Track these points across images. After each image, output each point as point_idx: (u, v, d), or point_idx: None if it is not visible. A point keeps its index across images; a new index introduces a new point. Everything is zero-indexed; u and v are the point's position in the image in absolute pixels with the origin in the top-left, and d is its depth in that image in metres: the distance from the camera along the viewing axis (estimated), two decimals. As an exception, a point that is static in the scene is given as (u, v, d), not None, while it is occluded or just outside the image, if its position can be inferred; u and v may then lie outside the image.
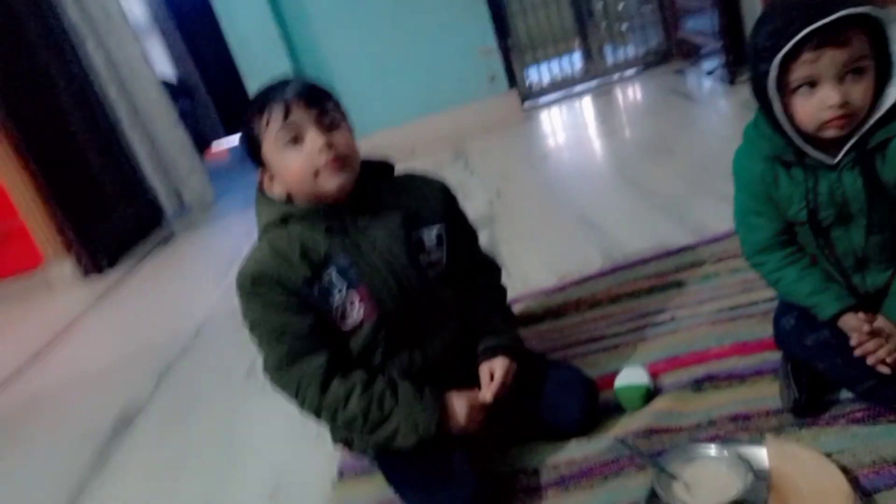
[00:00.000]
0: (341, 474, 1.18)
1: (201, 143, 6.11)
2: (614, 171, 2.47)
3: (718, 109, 2.73)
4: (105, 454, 1.56)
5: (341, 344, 1.03)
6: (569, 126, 3.33)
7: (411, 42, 3.52)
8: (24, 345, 2.54)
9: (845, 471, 0.85)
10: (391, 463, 1.06)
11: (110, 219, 3.49)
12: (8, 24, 3.17)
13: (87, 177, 3.45)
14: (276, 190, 1.02)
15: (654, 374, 1.15)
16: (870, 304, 0.95)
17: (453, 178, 1.18)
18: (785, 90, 0.87)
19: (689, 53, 3.49)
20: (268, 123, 0.97)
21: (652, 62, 3.77)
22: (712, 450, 0.92)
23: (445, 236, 1.09)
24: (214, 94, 6.74)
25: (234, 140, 6.93)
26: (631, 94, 3.54)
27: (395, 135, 3.49)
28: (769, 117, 0.90)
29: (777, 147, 0.92)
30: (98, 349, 2.33)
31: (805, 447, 0.90)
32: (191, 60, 6.69)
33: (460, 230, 1.14)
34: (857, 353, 0.90)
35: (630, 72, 3.83)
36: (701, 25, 3.19)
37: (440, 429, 0.99)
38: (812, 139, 0.90)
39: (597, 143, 2.94)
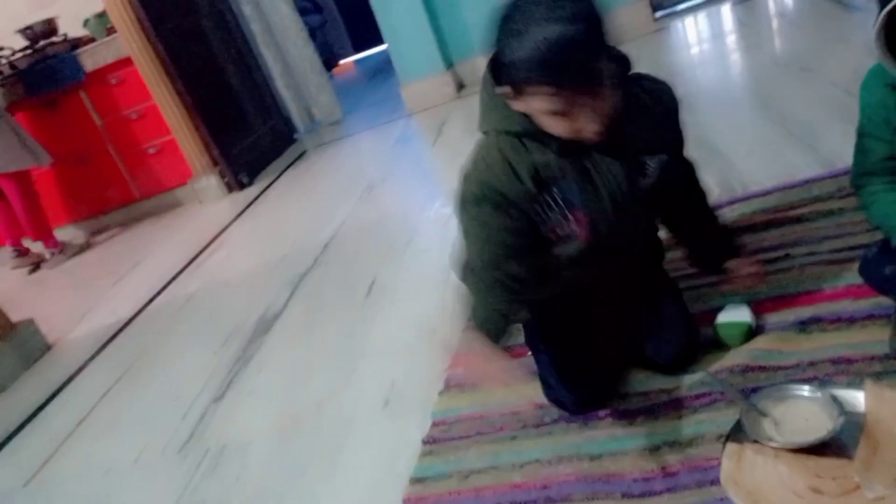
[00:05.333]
0: (446, 386, 1.29)
1: (330, 59, 6.30)
2: (747, 91, 2.32)
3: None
4: (249, 351, 1.78)
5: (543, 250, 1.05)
6: (703, 39, 3.11)
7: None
8: (180, 251, 2.88)
9: (948, 422, 0.83)
10: (539, 337, 1.16)
11: (249, 136, 3.76)
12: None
13: (228, 95, 3.70)
14: (518, 107, 0.94)
15: (758, 313, 1.14)
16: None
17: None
18: None
19: (851, -49, 3.10)
20: (536, 94, 0.88)
21: (805, -38, 3.38)
22: (806, 390, 0.92)
23: (667, 161, 1.06)
24: (343, 8, 6.85)
25: (361, 55, 7.07)
26: (778, 1, 3.22)
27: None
28: None
29: None
30: (241, 258, 2.59)
31: (907, 395, 0.88)
32: (320, -25, 6.78)
33: (679, 146, 1.13)
34: None
35: (779, -26, 3.46)
36: (867, -82, 2.81)
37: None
38: None
39: (732, 59, 2.74)
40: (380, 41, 4.30)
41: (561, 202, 0.99)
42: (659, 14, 3.55)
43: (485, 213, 0.99)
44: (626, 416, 1.06)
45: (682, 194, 1.17)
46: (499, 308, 1.02)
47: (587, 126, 0.91)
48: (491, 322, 1.01)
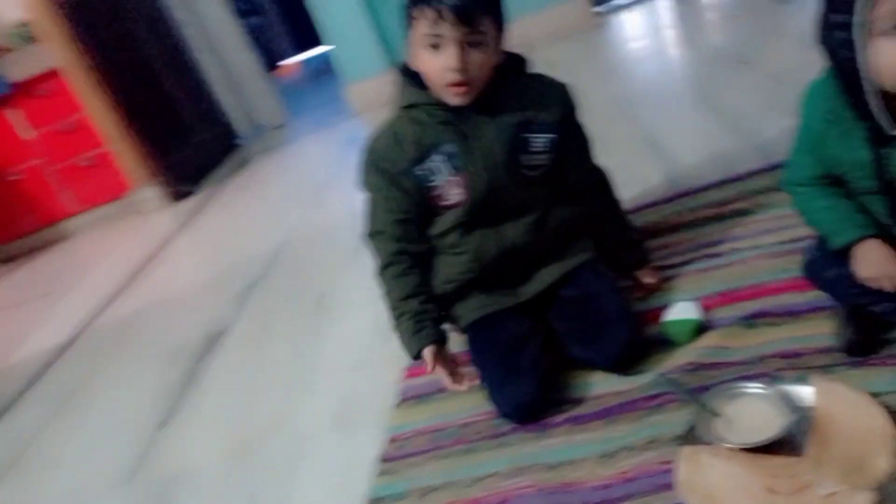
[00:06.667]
0: (401, 398, 1.26)
1: (271, 62, 6.18)
2: (687, 85, 2.35)
3: (805, 12, 2.49)
4: (195, 371, 1.72)
5: (426, 223, 1.17)
6: (642, 33, 3.16)
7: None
8: (120, 268, 2.77)
9: (891, 412, 0.84)
10: (477, 346, 1.18)
11: (189, 144, 3.65)
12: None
13: (165, 103, 3.59)
14: (414, 67, 1.10)
15: (706, 308, 1.15)
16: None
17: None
18: (870, 34, 0.80)
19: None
20: (419, 19, 1.02)
21: (737, -45, 3.46)
22: (756, 388, 0.93)
23: (555, 144, 1.15)
24: (284, 9, 6.72)
25: (304, 56, 6.96)
26: (712, -7, 3.29)
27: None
28: (842, 77, 0.85)
29: (835, 111, 0.88)
30: (185, 272, 2.51)
31: (852, 387, 0.89)
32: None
33: (574, 139, 1.20)
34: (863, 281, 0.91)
35: (713, -33, 3.53)
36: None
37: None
38: (888, 103, 0.84)
39: (671, 53, 2.78)
40: (323, 41, 4.23)
41: (443, 166, 1.11)
42: (598, 9, 3.59)
43: (374, 180, 1.15)
44: (582, 421, 1.05)
45: (593, 201, 1.24)
46: (402, 306, 1.15)
47: (448, 73, 1.03)
48: (402, 323, 1.15)
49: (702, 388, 0.99)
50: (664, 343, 1.12)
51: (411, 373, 1.32)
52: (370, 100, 3.54)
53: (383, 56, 3.55)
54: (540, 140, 1.13)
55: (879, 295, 0.91)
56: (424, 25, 1.02)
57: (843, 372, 0.93)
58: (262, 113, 4.14)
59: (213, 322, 1.94)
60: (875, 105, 0.85)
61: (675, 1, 3.35)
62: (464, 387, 1.12)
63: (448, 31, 1.00)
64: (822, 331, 1.01)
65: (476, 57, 1.04)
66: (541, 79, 1.19)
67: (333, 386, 1.42)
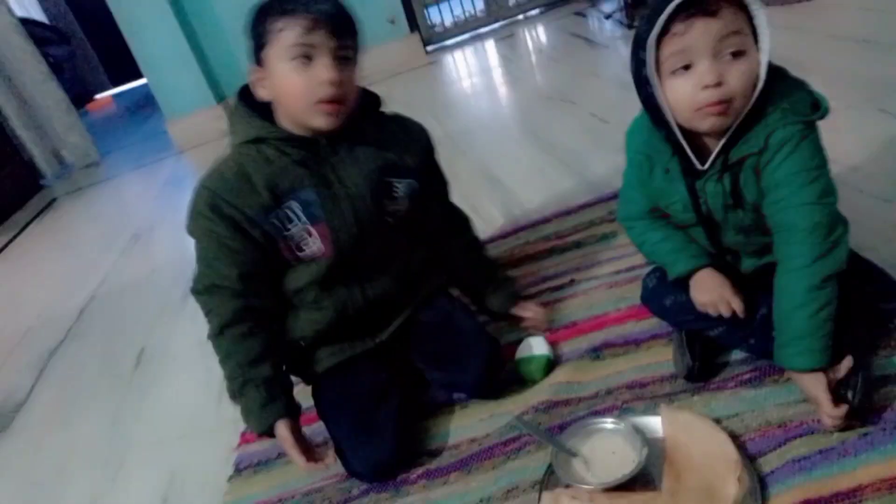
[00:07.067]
0: (237, 469, 1.12)
1: (82, 95, 5.64)
2: (517, 122, 2.43)
3: (618, 55, 2.71)
4: (-20, 458, 1.43)
5: (275, 277, 1.02)
6: (473, 72, 3.25)
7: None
8: None
9: (734, 435, 0.86)
10: (329, 400, 1.07)
11: (-22, 186, 3.17)
12: None
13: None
14: (262, 94, 0.97)
15: (554, 342, 1.15)
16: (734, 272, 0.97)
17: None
18: (662, 74, 0.84)
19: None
20: (285, 30, 0.91)
21: (553, 2, 3.71)
22: (609, 423, 0.92)
23: (417, 188, 1.07)
24: (96, 38, 6.18)
25: (119, 89, 6.45)
26: (534, 36, 3.48)
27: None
28: (650, 113, 0.88)
29: (653, 146, 0.91)
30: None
31: (696, 414, 0.91)
32: (62, 2, 6.10)
33: (434, 180, 1.14)
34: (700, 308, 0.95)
35: (533, 12, 3.76)
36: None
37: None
38: (694, 139, 0.88)
39: (500, 92, 2.88)
40: (142, 73, 3.91)
41: (301, 214, 0.98)
42: (430, 48, 3.67)
43: (213, 225, 0.97)
44: (439, 474, 0.99)
45: (455, 242, 1.19)
46: (247, 373, 0.98)
47: (322, 87, 0.92)
48: (247, 392, 0.97)
49: (557, 426, 0.97)
50: (517, 381, 1.10)
51: (247, 438, 1.18)
52: (195, 135, 3.31)
53: (208, 89, 3.35)
54: (402, 185, 1.05)
55: (715, 320, 0.95)
56: (293, 35, 0.91)
57: (686, 399, 0.95)
58: (70, 150, 3.72)
59: (4, 396, 1.65)
60: (679, 139, 0.88)
61: (499, 43, 3.51)
62: (326, 462, 0.98)
63: (322, 40, 0.91)
64: (663, 358, 1.03)
65: (348, 75, 0.95)
66: (399, 119, 1.11)
67: (159, 459, 1.24)
